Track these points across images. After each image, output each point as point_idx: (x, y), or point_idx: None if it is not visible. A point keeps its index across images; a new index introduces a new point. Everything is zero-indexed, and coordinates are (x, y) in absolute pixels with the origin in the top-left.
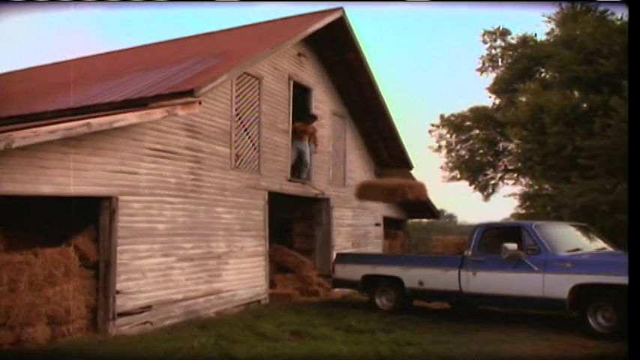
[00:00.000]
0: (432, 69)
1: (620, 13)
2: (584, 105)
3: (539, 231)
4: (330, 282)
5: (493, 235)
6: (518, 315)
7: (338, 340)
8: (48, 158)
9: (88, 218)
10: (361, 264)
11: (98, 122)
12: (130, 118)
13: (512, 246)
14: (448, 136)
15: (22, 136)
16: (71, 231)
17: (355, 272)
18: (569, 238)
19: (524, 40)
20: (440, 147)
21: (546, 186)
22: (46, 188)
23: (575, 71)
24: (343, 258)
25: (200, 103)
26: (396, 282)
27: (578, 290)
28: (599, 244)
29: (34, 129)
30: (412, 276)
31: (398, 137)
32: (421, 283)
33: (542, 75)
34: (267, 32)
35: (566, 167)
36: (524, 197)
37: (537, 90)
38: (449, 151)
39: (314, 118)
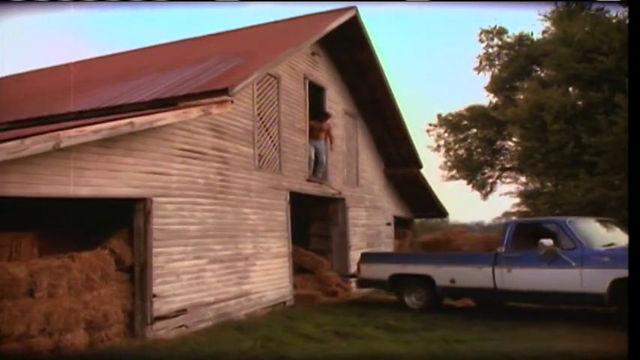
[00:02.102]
0: (429, 68)
1: (616, 12)
2: (584, 102)
3: (573, 226)
4: (356, 282)
5: (525, 231)
6: (546, 311)
7: (385, 339)
8: (85, 159)
9: (118, 220)
10: (389, 263)
11: (140, 121)
12: (169, 117)
13: (548, 242)
14: (446, 135)
15: (69, 136)
16: (101, 234)
17: (383, 271)
18: (601, 232)
19: (521, 39)
20: (438, 146)
21: (548, 183)
22: (84, 190)
23: (574, 69)
24: (369, 257)
25: (232, 102)
26: (426, 280)
27: (615, 284)
28: (627, 238)
29: (80, 128)
30: (444, 274)
31: (408, 136)
32: (453, 281)
33: (538, 74)
34: (283, 32)
35: (567, 164)
36: (526, 195)
37: (536, 88)
38: (447, 151)
39: (327, 115)
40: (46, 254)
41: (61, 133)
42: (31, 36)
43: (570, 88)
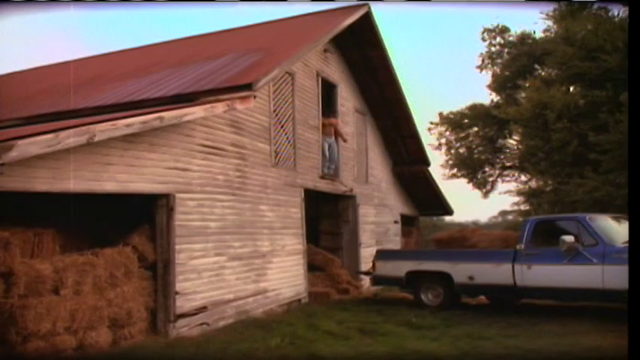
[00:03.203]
0: (430, 67)
1: (617, 10)
2: (588, 101)
3: (593, 223)
4: (370, 279)
5: (544, 228)
6: (560, 307)
7: (410, 336)
8: (110, 154)
9: (135, 217)
10: (405, 260)
11: (169, 116)
12: (196, 111)
13: (569, 238)
14: (447, 133)
15: (102, 129)
16: (117, 230)
17: (399, 269)
18: (618, 229)
19: (523, 38)
20: (440, 145)
21: (550, 182)
22: (108, 185)
23: (577, 67)
24: (385, 254)
25: (255, 97)
26: (443, 278)
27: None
28: None
29: (113, 122)
30: (462, 271)
31: (417, 134)
32: (471, 278)
33: (540, 72)
34: (297, 28)
35: (570, 163)
36: (528, 194)
37: (539, 86)
38: (448, 149)
39: (333, 112)
40: (66, 251)
41: (93, 127)
42: (31, 36)
43: (572, 87)
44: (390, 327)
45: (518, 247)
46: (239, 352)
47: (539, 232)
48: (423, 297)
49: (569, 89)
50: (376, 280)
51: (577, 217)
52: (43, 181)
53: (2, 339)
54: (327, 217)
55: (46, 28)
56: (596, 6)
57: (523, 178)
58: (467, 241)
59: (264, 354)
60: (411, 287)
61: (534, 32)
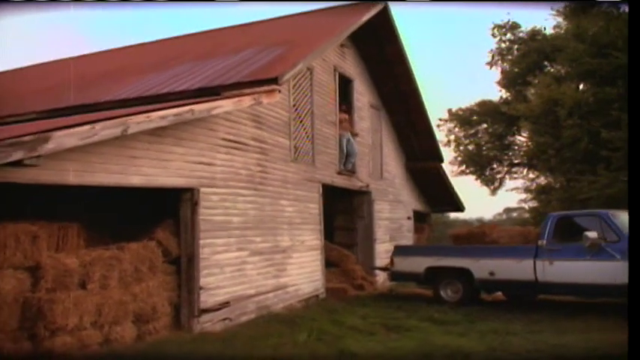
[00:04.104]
0: (439, 63)
1: (624, 8)
2: (599, 98)
3: (616, 219)
4: (388, 275)
5: (566, 224)
6: (577, 303)
7: (435, 331)
8: (137, 148)
9: (155, 211)
10: (425, 256)
11: (200, 109)
12: (226, 105)
13: (593, 234)
14: (456, 130)
15: (137, 122)
16: (138, 224)
17: (418, 264)
18: None
19: (533, 34)
20: (449, 141)
21: (561, 179)
22: (135, 179)
23: (589, 64)
24: (404, 250)
25: (280, 91)
26: (463, 273)
27: None
28: None
29: (147, 114)
30: (482, 267)
31: (431, 130)
32: (492, 274)
33: (549, 69)
34: (315, 23)
35: (580, 160)
36: (538, 190)
37: (550, 83)
38: (457, 146)
39: (346, 106)
40: (90, 245)
41: (129, 119)
42: (31, 36)
43: (582, 85)
44: (414, 322)
45: (539, 242)
46: (267, 347)
47: (560, 228)
48: (442, 293)
49: (582, 85)
50: (394, 275)
51: (599, 213)
52: (72, 174)
53: (30, 333)
54: (341, 213)
55: (45, 28)
56: (603, 6)
57: (531, 175)
58: (486, 237)
59: (292, 350)
60: (430, 283)
61: (545, 29)
